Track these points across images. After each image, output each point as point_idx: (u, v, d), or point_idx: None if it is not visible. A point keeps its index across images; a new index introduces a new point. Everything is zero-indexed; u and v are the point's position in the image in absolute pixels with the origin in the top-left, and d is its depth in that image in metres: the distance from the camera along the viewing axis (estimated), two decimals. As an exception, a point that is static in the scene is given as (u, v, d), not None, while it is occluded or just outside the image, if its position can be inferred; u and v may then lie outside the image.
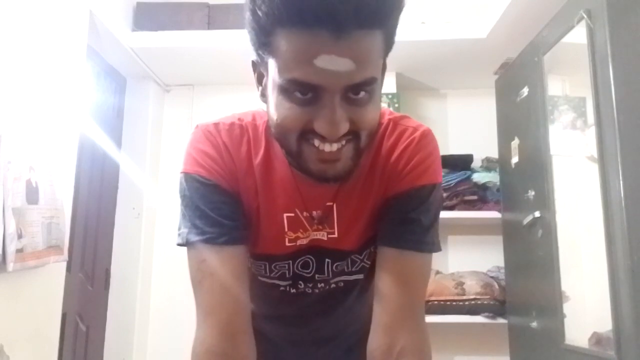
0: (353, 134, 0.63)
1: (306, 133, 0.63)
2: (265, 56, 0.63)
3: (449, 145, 2.58)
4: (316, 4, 0.54)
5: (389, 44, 0.63)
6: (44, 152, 1.57)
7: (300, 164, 0.67)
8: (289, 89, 0.60)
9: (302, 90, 0.60)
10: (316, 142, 0.63)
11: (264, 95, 0.68)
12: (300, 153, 0.65)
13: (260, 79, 0.69)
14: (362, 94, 0.61)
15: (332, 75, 0.58)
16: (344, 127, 0.61)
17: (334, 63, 0.57)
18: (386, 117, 0.78)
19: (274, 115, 0.64)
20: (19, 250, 1.40)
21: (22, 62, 1.50)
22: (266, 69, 0.65)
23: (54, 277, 1.70)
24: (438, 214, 0.78)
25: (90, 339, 2.23)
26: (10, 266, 1.36)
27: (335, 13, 0.54)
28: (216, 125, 0.77)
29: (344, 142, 0.63)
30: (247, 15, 0.61)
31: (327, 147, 0.63)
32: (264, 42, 0.61)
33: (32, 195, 1.49)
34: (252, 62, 0.70)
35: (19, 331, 1.51)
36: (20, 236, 1.41)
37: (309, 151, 0.64)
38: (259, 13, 0.58)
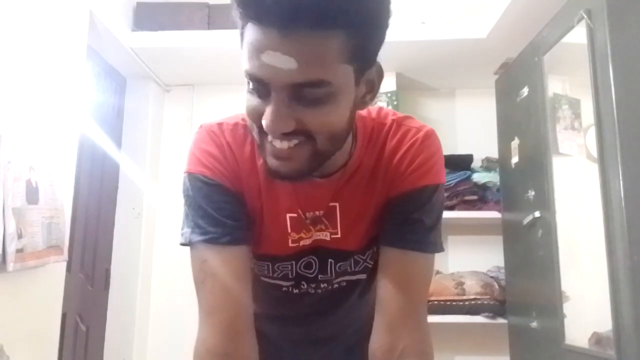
0: (305, 135, 0.63)
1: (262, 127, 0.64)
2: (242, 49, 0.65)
3: (449, 145, 2.58)
4: (271, 2, 0.55)
5: (360, 46, 0.60)
6: (44, 152, 1.57)
7: (262, 157, 0.69)
8: (248, 82, 0.63)
9: (253, 84, 0.62)
10: (269, 137, 0.64)
11: None
12: (262, 146, 0.67)
13: None
14: (312, 95, 0.60)
15: (275, 71, 0.58)
16: (287, 125, 0.61)
17: (277, 60, 0.58)
18: (389, 118, 0.78)
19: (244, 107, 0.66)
20: (19, 250, 1.40)
21: (23, 62, 1.50)
22: None
23: (54, 277, 1.70)
24: (441, 214, 0.78)
25: (90, 339, 2.22)
26: (10, 266, 1.36)
27: (284, 11, 0.55)
28: (220, 125, 0.77)
29: (295, 141, 0.63)
30: None
31: (277, 144, 0.64)
32: (240, 35, 0.63)
33: (32, 195, 1.48)
34: None
35: (19, 331, 1.51)
36: (20, 236, 1.40)
37: (267, 145, 0.65)
38: (234, 8, 0.61)
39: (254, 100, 0.63)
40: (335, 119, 0.64)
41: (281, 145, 0.63)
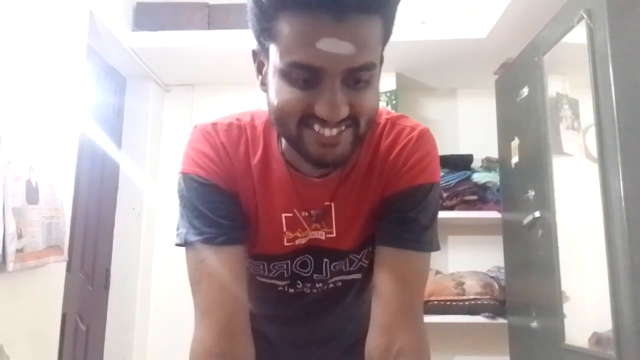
0: (352, 120, 0.64)
1: (307, 117, 0.63)
2: (266, 42, 0.64)
3: (449, 145, 2.58)
4: None
5: (387, 32, 0.64)
6: (44, 152, 1.57)
7: (299, 149, 0.67)
8: (290, 73, 0.61)
9: (303, 74, 0.60)
10: (316, 127, 0.63)
11: (263, 84, 0.69)
12: (300, 137, 0.65)
13: (260, 67, 0.70)
14: (362, 78, 0.62)
15: (333, 58, 0.58)
16: (344, 111, 0.62)
17: (335, 46, 0.58)
18: (384, 117, 0.78)
19: (274, 100, 0.65)
20: (19, 250, 1.40)
21: (23, 62, 1.50)
22: (267, 56, 0.65)
23: (54, 277, 1.70)
24: (436, 213, 0.78)
25: (90, 339, 2.23)
26: (10, 266, 1.37)
27: None
28: (214, 125, 0.77)
29: (343, 127, 0.64)
30: (249, 2, 0.63)
31: (327, 132, 0.63)
32: (265, 27, 0.62)
33: (32, 195, 1.49)
34: (253, 51, 0.70)
35: (19, 331, 1.51)
36: (20, 236, 1.41)
37: (309, 135, 0.64)
38: None
39: (296, 92, 0.62)
40: (376, 101, 0.66)
41: (331, 132, 0.63)
